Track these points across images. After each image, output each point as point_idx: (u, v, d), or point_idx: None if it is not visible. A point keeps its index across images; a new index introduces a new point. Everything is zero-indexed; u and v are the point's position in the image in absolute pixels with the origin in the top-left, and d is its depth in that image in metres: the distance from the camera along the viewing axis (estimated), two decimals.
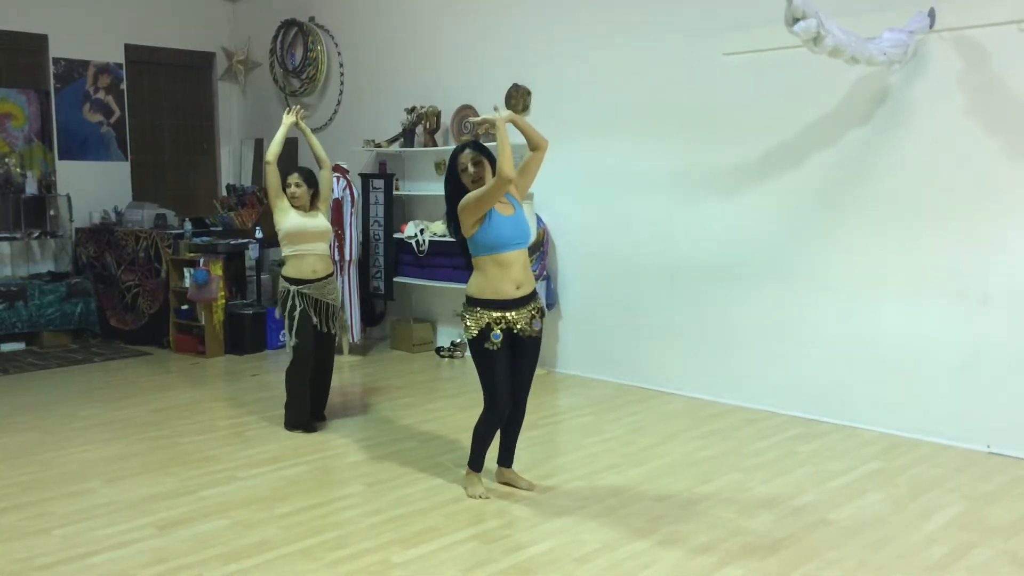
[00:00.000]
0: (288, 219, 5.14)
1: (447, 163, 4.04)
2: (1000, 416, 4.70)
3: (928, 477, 4.37)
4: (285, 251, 5.18)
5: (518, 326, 3.93)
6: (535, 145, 4.01)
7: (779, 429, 5.19)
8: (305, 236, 5.14)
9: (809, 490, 4.20)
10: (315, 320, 5.14)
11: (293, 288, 5.12)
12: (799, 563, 3.41)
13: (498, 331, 3.89)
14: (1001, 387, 4.69)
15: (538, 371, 6.78)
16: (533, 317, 4.00)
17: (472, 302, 3.96)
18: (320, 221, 5.22)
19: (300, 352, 5.13)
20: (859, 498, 4.09)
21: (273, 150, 5.17)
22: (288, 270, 5.17)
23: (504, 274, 3.89)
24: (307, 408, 5.23)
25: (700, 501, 4.07)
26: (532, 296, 4.03)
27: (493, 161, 3.90)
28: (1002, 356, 4.69)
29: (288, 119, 5.34)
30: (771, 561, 3.44)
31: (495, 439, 4.18)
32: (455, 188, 3.98)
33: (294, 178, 5.18)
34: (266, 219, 8.33)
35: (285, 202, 5.17)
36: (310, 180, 5.22)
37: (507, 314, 3.91)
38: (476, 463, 4.16)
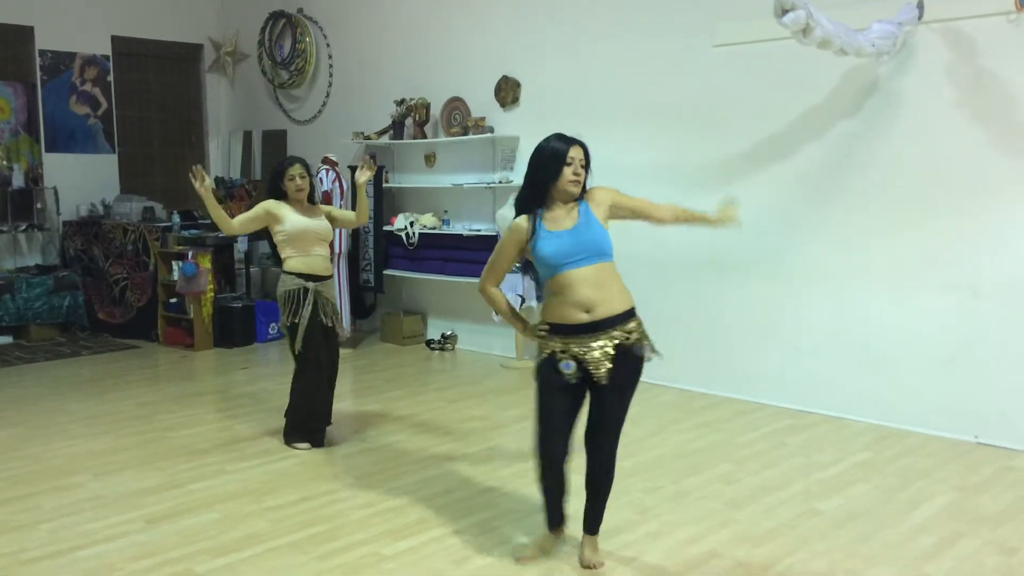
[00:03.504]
0: (288, 220, 4.64)
1: (544, 153, 3.25)
2: (988, 407, 4.72)
3: (917, 468, 4.38)
4: (287, 254, 4.69)
5: (588, 362, 3.14)
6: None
7: (769, 420, 5.20)
8: (307, 238, 4.67)
9: (798, 481, 4.21)
10: (325, 320, 4.70)
11: (307, 285, 4.62)
12: (788, 553, 3.43)
13: (568, 360, 3.16)
14: (989, 378, 4.72)
15: (527, 363, 6.88)
16: (608, 351, 3.14)
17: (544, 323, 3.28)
18: (323, 223, 4.77)
19: (311, 357, 4.68)
20: (848, 488, 4.11)
21: (222, 223, 4.62)
22: (295, 264, 4.66)
23: (564, 297, 3.18)
24: (315, 418, 4.78)
25: (690, 492, 4.08)
26: (612, 321, 3.15)
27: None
28: (990, 348, 4.71)
29: (198, 185, 4.55)
30: (760, 551, 3.45)
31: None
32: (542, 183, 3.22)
33: (297, 169, 4.68)
34: None
35: (276, 207, 4.66)
36: (309, 171, 4.81)
37: (571, 345, 3.16)
38: (547, 519, 3.46)
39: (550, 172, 3.20)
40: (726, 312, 5.71)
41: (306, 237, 4.67)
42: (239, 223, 4.69)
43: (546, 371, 3.21)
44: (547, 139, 3.27)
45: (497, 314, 3.59)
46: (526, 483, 4.20)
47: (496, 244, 3.42)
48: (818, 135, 5.26)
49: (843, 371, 5.23)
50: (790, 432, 4.98)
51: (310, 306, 4.62)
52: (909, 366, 4.98)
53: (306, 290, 4.64)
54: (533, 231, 3.21)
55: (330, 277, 4.82)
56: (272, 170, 4.86)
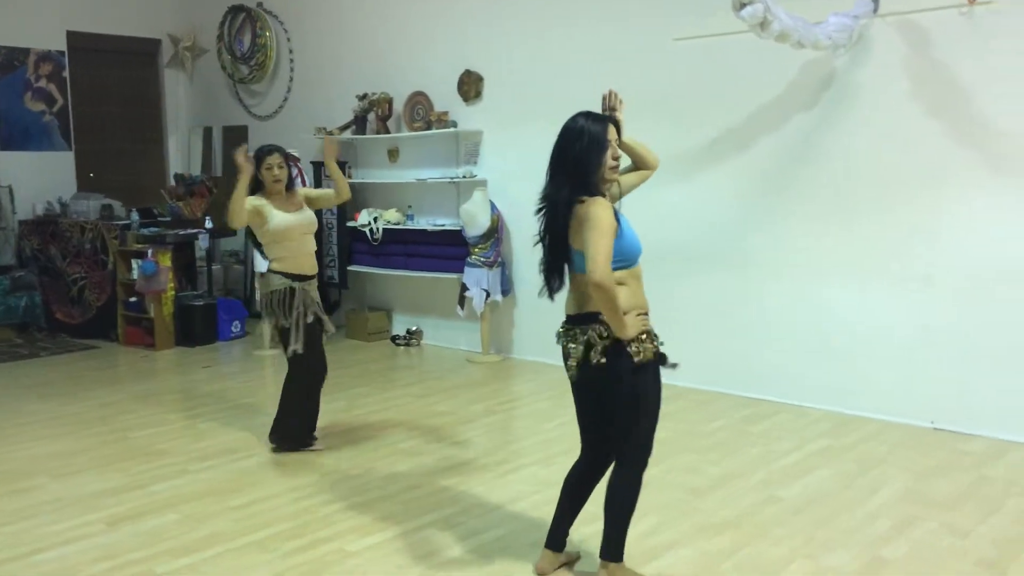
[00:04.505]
0: (272, 219, 4.44)
1: (584, 139, 2.88)
2: (944, 393, 4.82)
3: (874, 454, 4.47)
4: (274, 254, 4.53)
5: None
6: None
7: (730, 410, 5.26)
8: (293, 235, 4.50)
9: (760, 469, 4.27)
10: (324, 319, 4.59)
11: (293, 285, 4.47)
12: (748, 541, 3.48)
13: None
14: (944, 365, 4.81)
15: (493, 357, 6.91)
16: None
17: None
18: (307, 214, 4.59)
19: (307, 360, 4.52)
20: (808, 475, 4.17)
21: (235, 212, 4.39)
22: (283, 264, 4.51)
23: (634, 289, 3.01)
24: (308, 424, 4.68)
25: (652, 482, 4.08)
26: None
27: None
28: (945, 335, 4.81)
29: (241, 162, 4.41)
30: (721, 539, 3.49)
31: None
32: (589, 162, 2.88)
33: (276, 159, 4.46)
34: (216, 208, 8.22)
35: (260, 206, 4.44)
36: (287, 160, 4.61)
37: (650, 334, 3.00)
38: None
39: (593, 161, 2.87)
40: (686, 303, 5.76)
41: (292, 234, 4.50)
42: (247, 216, 4.44)
43: (654, 364, 2.95)
44: (577, 119, 2.92)
45: (602, 309, 2.85)
46: (492, 477, 4.23)
47: (592, 231, 2.77)
48: (776, 127, 5.32)
49: (802, 360, 5.31)
50: (751, 421, 5.05)
51: (301, 306, 4.47)
52: (866, 354, 5.07)
53: (292, 290, 4.48)
54: (616, 213, 2.88)
55: (315, 276, 4.66)
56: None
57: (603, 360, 2.88)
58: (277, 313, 4.47)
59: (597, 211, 2.80)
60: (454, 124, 6.84)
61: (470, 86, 6.79)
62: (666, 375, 3.03)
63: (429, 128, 6.93)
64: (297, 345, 4.45)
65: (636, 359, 2.88)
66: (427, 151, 7.14)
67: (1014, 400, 4.61)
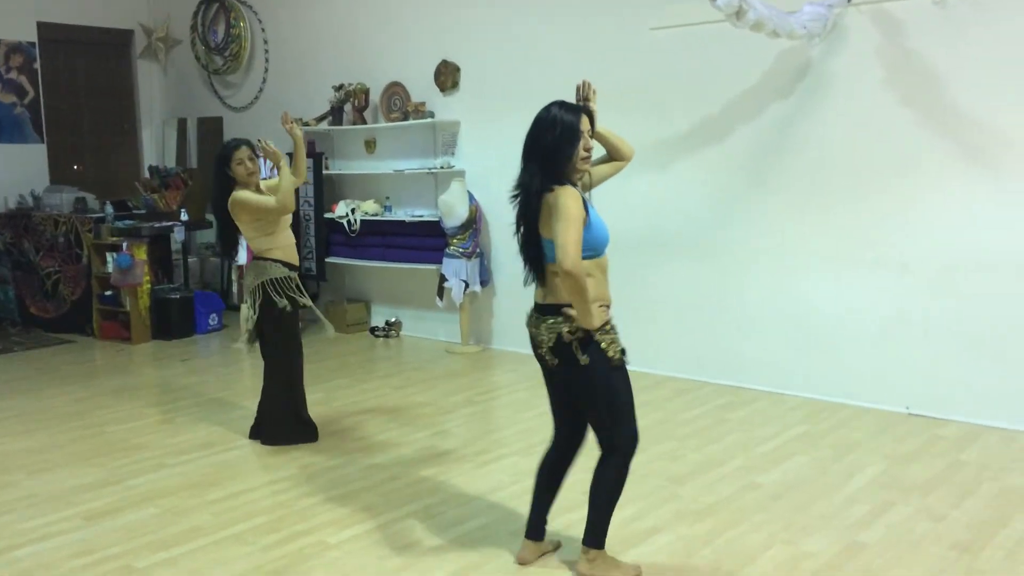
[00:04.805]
0: (269, 200, 4.38)
1: (560, 124, 2.87)
2: (918, 379, 4.88)
3: (850, 439, 4.51)
4: (266, 244, 4.47)
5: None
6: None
7: (710, 398, 5.29)
8: (284, 223, 4.51)
9: (738, 455, 4.30)
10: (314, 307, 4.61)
11: (291, 274, 4.47)
12: (728, 527, 3.50)
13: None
14: (919, 351, 4.87)
15: (473, 348, 6.90)
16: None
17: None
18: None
19: (297, 351, 4.58)
20: (785, 462, 4.21)
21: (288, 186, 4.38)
22: (281, 253, 4.48)
23: (599, 280, 3.00)
24: (303, 414, 4.67)
25: (633, 469, 4.06)
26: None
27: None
28: (919, 322, 4.86)
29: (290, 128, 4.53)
30: (701, 526, 3.52)
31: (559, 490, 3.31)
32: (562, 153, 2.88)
33: (245, 152, 4.42)
34: (191, 201, 8.15)
35: (257, 193, 4.44)
36: (256, 153, 4.53)
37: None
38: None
39: (565, 151, 2.87)
40: (665, 293, 5.79)
41: (284, 224, 4.51)
42: (285, 196, 4.38)
43: (621, 357, 2.98)
44: (551, 109, 2.92)
45: (568, 299, 2.89)
46: (472, 467, 4.23)
47: (560, 221, 2.78)
48: (752, 117, 5.35)
49: (779, 348, 5.35)
50: (730, 409, 5.08)
51: (296, 295, 4.47)
52: (842, 342, 5.12)
53: (290, 279, 4.46)
54: (584, 203, 2.88)
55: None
56: (216, 156, 4.53)
57: (585, 357, 2.89)
58: (277, 300, 4.40)
59: (566, 200, 2.81)
60: (431, 115, 6.81)
61: (447, 76, 6.76)
62: (647, 363, 3.05)
63: (406, 119, 6.90)
64: (291, 336, 4.51)
65: (610, 355, 2.91)
66: (404, 142, 7.11)
67: (987, 385, 4.67)
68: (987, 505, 3.67)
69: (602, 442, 3.07)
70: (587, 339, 2.91)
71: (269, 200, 4.40)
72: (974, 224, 4.66)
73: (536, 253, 2.98)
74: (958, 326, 4.74)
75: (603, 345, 2.92)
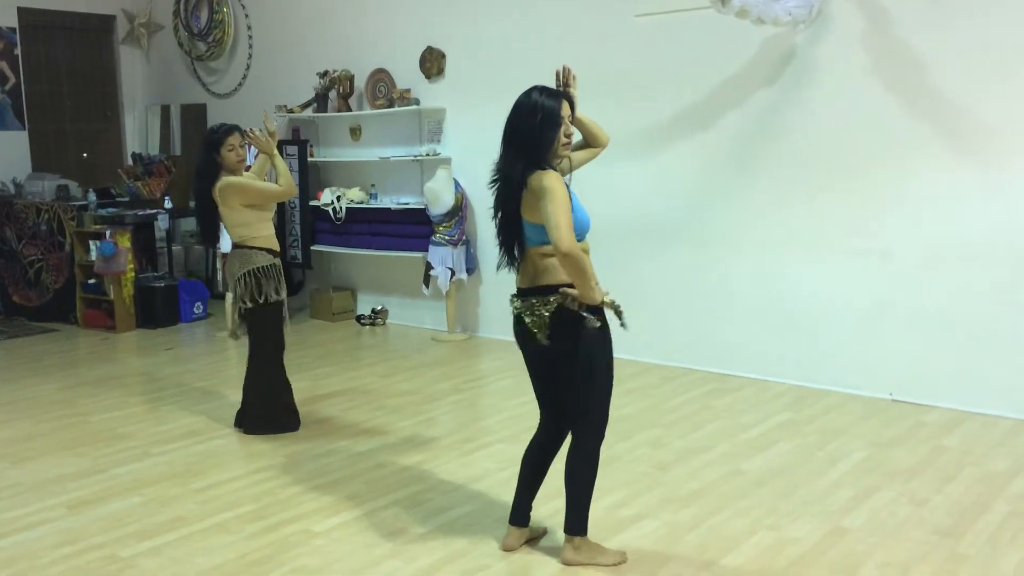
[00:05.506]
0: (272, 186, 4.44)
1: (541, 109, 2.88)
2: (902, 365, 4.91)
3: (835, 426, 4.54)
4: (253, 232, 4.42)
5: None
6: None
7: (695, 385, 5.31)
8: (269, 209, 4.53)
9: (723, 442, 4.32)
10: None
11: (275, 261, 4.45)
12: (712, 513, 3.52)
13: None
14: (902, 337, 4.90)
15: (459, 336, 6.90)
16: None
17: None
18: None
19: (280, 339, 4.56)
20: (770, 448, 4.24)
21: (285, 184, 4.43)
22: (267, 241, 4.45)
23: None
24: (291, 401, 4.66)
25: (620, 457, 4.15)
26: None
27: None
28: (903, 308, 4.89)
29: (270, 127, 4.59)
30: (686, 512, 3.54)
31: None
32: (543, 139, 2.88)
33: (236, 139, 4.38)
34: (175, 188, 8.09)
35: (249, 176, 4.48)
36: (245, 139, 4.51)
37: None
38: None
39: (547, 136, 2.86)
40: (650, 280, 5.79)
41: (270, 208, 4.52)
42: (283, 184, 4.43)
43: (604, 333, 3.00)
44: (531, 94, 2.93)
45: (568, 280, 2.91)
46: (458, 455, 4.23)
47: (550, 203, 2.78)
48: (738, 103, 5.34)
49: (764, 335, 5.37)
50: (715, 395, 5.10)
51: (284, 284, 4.47)
52: (827, 328, 5.14)
53: (274, 266, 4.42)
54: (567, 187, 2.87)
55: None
56: (205, 141, 4.46)
57: (595, 319, 2.91)
58: (265, 287, 4.36)
59: (552, 183, 2.81)
60: (416, 102, 6.78)
61: (432, 63, 6.73)
62: (632, 350, 3.06)
63: (391, 106, 6.86)
64: (281, 324, 4.51)
65: (585, 323, 2.90)
66: (390, 129, 7.08)
67: (969, 371, 4.71)
68: (969, 490, 3.71)
69: (576, 420, 3.06)
70: (568, 318, 2.92)
71: (272, 186, 4.46)
72: (958, 211, 4.68)
73: (512, 238, 2.98)
74: (942, 313, 4.77)
75: (613, 311, 2.98)
